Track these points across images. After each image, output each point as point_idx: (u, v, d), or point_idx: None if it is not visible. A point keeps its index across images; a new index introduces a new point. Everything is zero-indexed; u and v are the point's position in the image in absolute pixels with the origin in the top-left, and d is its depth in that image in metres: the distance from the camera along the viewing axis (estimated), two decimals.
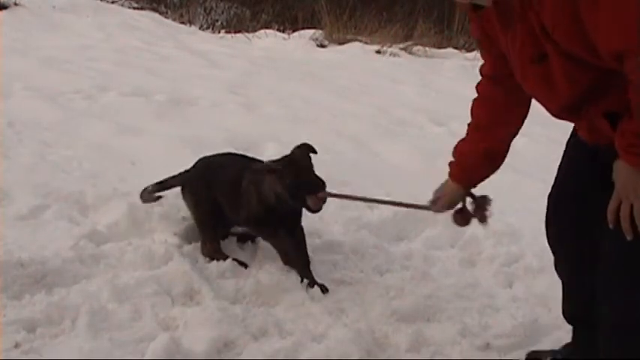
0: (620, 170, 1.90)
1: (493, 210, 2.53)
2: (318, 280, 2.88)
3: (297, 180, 2.78)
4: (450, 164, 2.42)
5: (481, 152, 2.31)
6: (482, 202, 2.49)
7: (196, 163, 3.24)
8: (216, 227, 3.09)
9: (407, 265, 3.20)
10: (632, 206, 1.89)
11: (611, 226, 1.95)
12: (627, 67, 1.74)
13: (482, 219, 2.50)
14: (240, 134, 4.54)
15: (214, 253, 3.01)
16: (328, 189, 2.79)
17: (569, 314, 2.45)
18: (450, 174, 2.43)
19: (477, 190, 2.48)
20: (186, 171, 3.23)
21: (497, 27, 2.02)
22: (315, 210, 2.80)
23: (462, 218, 2.50)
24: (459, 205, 2.48)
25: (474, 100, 2.36)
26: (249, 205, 2.94)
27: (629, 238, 1.92)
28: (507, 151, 2.34)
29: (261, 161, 3.07)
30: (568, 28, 1.80)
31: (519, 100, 2.23)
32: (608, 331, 2.08)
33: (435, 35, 9.77)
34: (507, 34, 1.98)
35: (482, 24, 2.09)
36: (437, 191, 2.50)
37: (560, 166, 2.33)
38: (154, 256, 2.89)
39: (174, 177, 3.24)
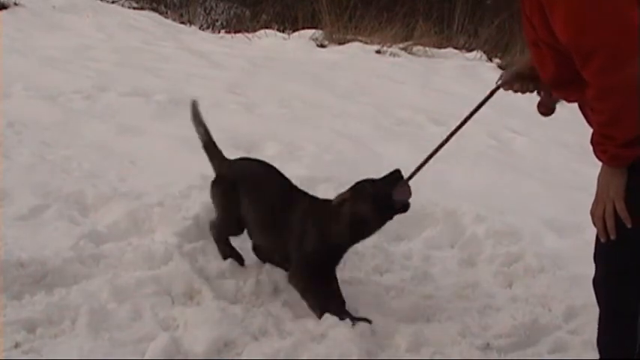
0: (600, 170, 1.92)
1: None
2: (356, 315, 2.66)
3: (376, 187, 2.58)
4: None
5: None
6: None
7: (235, 162, 3.01)
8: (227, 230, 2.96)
9: (407, 265, 3.20)
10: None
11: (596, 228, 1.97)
12: (589, 68, 1.78)
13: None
14: (240, 134, 4.53)
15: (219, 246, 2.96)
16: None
17: None
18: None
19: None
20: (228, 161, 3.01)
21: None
22: (407, 202, 2.58)
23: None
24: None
25: None
26: (306, 242, 2.67)
27: (602, 240, 1.93)
28: None
29: (304, 192, 2.80)
30: (540, 20, 1.89)
31: None
32: None
33: (435, 35, 9.75)
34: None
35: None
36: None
37: None
38: (154, 256, 2.89)
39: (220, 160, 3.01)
